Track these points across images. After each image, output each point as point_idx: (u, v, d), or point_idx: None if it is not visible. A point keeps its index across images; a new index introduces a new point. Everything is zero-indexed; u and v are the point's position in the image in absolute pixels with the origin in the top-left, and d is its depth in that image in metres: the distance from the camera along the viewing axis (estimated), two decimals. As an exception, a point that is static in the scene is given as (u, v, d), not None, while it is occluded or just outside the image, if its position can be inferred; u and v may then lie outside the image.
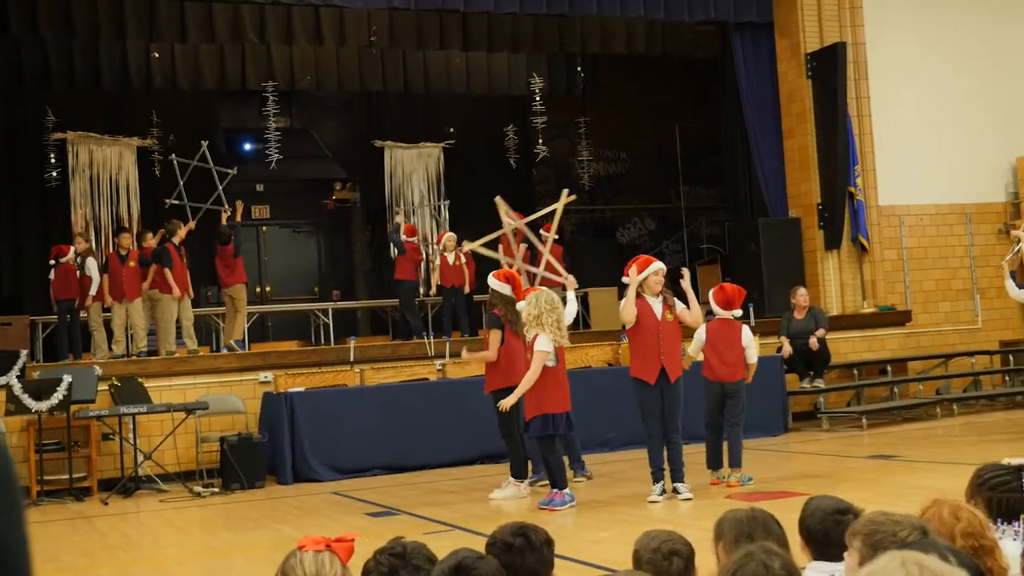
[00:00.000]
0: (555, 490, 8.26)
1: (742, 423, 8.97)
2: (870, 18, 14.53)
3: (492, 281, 8.89)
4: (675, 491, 8.25)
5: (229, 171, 14.23)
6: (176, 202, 13.84)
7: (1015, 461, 3.44)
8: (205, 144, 14.17)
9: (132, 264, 12.45)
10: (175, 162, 14.07)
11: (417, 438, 11.08)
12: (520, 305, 8.44)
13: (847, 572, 2.68)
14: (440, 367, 12.10)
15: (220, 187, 14.06)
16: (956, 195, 15.04)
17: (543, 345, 8.09)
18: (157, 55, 15.23)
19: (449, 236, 14.20)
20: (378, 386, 11.64)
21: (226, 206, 13.78)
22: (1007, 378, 14.68)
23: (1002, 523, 3.26)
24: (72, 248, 12.58)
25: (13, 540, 1.25)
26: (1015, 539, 3.18)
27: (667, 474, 8.30)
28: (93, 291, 12.39)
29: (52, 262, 12.48)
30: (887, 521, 2.63)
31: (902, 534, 2.56)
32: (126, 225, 13.88)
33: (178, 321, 12.63)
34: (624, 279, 8.31)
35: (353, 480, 10.67)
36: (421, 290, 14.75)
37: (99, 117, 15.27)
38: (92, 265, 12.48)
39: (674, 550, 3.07)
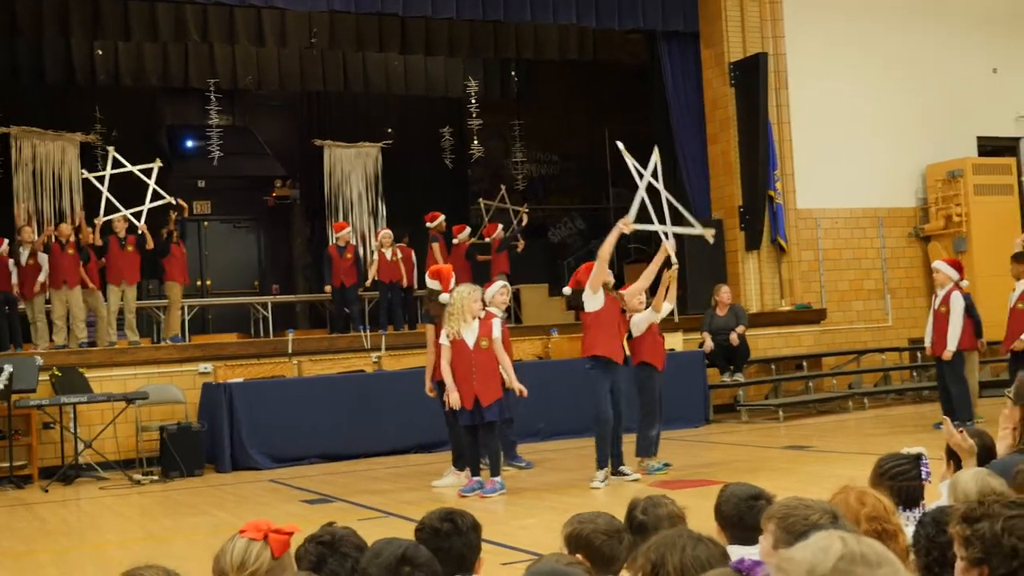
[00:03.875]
0: (474, 477, 8.55)
1: (644, 413, 9.15)
2: (791, 30, 14.96)
3: (427, 278, 9.20)
4: (622, 474, 8.58)
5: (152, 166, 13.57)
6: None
7: (914, 450, 3.57)
8: (112, 149, 13.53)
9: (71, 252, 12.50)
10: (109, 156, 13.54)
11: (353, 428, 11.27)
12: (443, 297, 8.73)
13: (761, 554, 2.67)
14: (376, 359, 12.33)
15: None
16: (869, 200, 15.51)
17: (442, 339, 8.51)
18: (101, 52, 15.23)
19: (386, 233, 14.47)
20: (315, 377, 11.83)
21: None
22: (915, 374, 15.11)
23: (904, 510, 3.38)
24: (6, 241, 12.54)
25: None
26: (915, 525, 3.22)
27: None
28: (42, 278, 12.44)
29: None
30: (800, 506, 2.66)
31: (813, 518, 2.60)
32: (67, 218, 13.90)
33: (121, 312, 12.78)
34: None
35: (290, 468, 10.81)
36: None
37: (43, 112, 15.09)
38: (44, 256, 12.52)
39: (621, 527, 3.08)
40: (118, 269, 12.79)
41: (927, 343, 11.24)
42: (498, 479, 8.47)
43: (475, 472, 8.60)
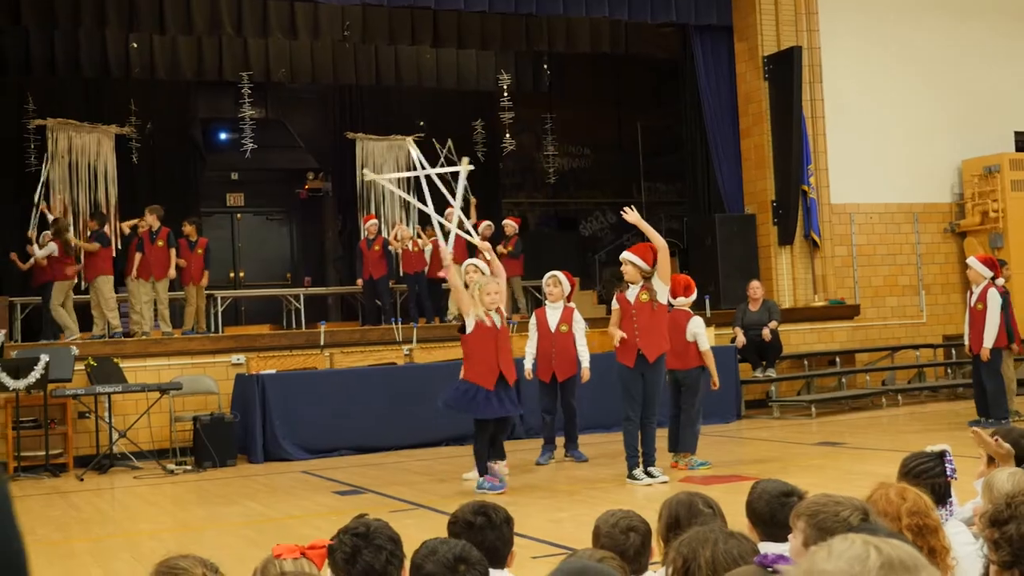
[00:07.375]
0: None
1: (694, 411, 9.10)
2: (825, 23, 14.86)
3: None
4: (649, 475, 8.31)
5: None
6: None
7: (937, 448, 3.56)
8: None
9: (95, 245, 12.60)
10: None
11: (384, 420, 11.26)
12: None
13: (791, 552, 2.63)
14: (407, 352, 12.33)
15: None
16: (904, 195, 15.39)
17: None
18: (136, 45, 15.40)
19: (403, 228, 14.64)
20: (347, 369, 11.84)
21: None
22: (949, 371, 15.00)
23: (932, 509, 3.45)
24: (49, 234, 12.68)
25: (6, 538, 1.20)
26: (944, 521, 3.26)
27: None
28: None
29: (49, 244, 12.55)
30: (830, 503, 2.65)
31: (844, 515, 2.59)
32: (104, 211, 14.05)
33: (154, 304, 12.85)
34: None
35: (322, 460, 10.82)
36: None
37: (78, 105, 15.38)
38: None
39: (631, 526, 3.11)
40: (147, 265, 12.84)
41: (966, 341, 11.13)
42: (493, 476, 8.38)
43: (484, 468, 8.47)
